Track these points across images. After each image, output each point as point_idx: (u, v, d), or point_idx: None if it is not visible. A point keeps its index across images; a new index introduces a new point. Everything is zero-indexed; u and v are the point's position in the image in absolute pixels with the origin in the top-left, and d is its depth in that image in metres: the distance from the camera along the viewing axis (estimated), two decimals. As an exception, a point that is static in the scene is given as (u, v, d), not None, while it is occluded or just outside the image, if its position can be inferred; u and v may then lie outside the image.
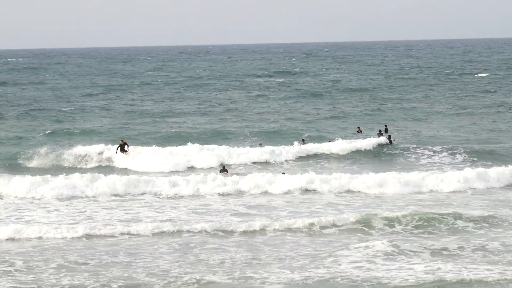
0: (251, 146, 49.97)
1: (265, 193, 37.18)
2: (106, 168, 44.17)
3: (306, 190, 37.51)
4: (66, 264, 24.67)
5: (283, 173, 40.58)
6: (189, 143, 49.14)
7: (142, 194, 37.03)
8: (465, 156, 46.82)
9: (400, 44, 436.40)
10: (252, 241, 27.61)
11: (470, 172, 39.39)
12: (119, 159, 46.45)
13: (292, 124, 62.42)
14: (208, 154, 46.96)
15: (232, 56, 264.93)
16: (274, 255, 25.44)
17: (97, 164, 45.88)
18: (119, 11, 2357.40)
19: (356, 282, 22.19)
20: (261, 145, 50.88)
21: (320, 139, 53.18)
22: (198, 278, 22.57)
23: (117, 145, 47.51)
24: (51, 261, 25.01)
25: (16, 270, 24.01)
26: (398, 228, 29.14)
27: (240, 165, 46.04)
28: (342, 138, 52.39)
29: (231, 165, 45.51)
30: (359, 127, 60.32)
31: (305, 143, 50.99)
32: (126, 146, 47.20)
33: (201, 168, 44.69)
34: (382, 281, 22.24)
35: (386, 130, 58.25)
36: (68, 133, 57.80)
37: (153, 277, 22.95)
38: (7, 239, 28.22)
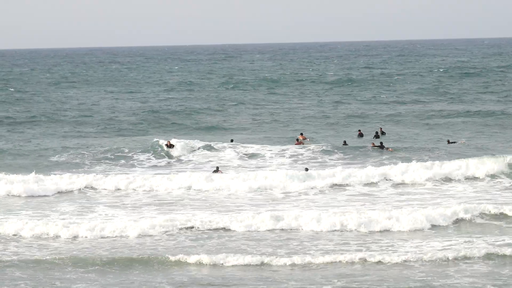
0: None
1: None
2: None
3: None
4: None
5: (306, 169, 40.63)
6: None
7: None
8: None
9: (401, 44, 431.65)
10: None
11: None
12: None
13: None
14: None
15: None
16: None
17: None
18: (119, 11, 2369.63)
19: None
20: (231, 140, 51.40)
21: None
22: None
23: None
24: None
25: None
26: None
27: None
28: None
29: None
30: (359, 130, 56.55)
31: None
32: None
33: None
34: None
35: (383, 133, 56.01)
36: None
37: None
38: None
